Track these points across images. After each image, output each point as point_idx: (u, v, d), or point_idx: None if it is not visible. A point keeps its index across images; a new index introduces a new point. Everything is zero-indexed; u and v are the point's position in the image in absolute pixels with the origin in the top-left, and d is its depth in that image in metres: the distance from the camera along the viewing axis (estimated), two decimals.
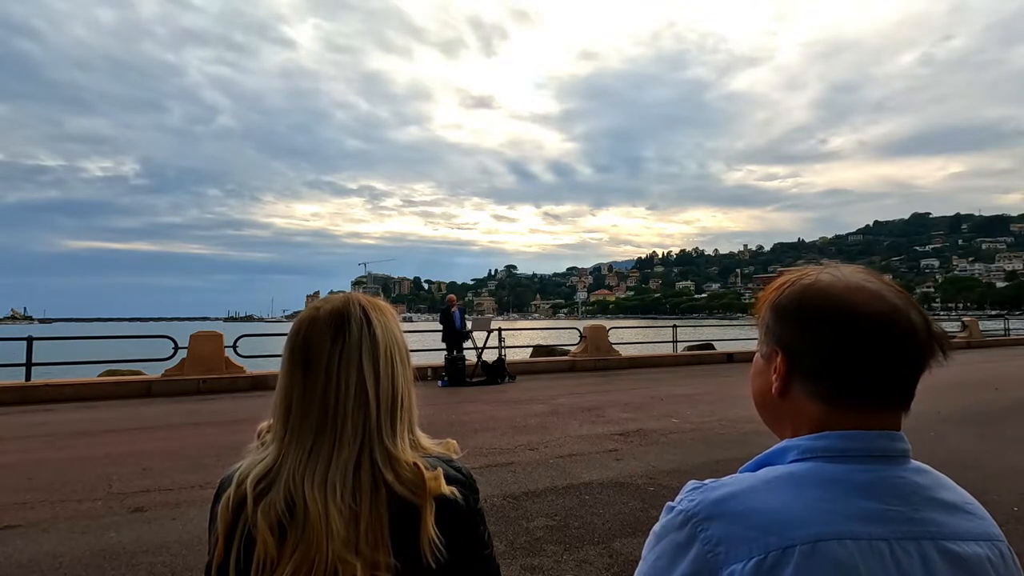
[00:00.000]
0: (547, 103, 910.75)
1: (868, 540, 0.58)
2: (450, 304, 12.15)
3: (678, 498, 0.66)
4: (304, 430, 0.84)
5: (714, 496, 0.63)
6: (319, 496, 0.81)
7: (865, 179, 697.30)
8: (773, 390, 0.70)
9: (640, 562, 0.67)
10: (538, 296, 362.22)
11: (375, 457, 0.84)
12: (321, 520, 0.80)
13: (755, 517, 0.60)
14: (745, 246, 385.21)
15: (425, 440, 0.93)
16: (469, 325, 12.41)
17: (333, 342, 0.86)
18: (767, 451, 0.70)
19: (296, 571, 0.79)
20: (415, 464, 0.86)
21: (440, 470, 0.88)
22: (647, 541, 0.67)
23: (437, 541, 0.83)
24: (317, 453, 0.83)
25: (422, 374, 11.76)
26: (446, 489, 0.86)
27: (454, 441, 0.98)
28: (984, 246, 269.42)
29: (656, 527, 0.66)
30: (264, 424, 0.93)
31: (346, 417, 0.84)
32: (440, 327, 12.11)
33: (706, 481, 0.66)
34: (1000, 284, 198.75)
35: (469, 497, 0.90)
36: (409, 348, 0.96)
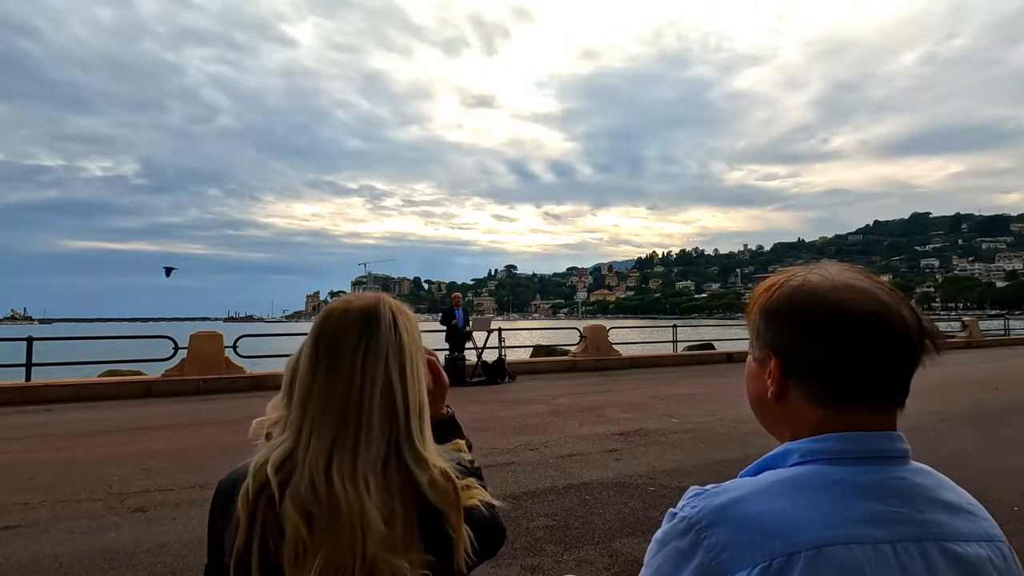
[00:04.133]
0: (548, 102, 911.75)
1: (873, 543, 0.58)
2: (454, 303, 12.18)
3: (680, 504, 0.65)
4: (326, 421, 0.84)
5: (717, 502, 0.62)
6: (351, 490, 0.80)
7: (865, 179, 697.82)
8: (769, 394, 0.70)
9: (643, 568, 0.66)
10: (538, 296, 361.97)
11: (404, 458, 0.84)
12: (356, 515, 0.79)
13: (759, 523, 0.59)
14: (745, 246, 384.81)
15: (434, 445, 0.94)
16: (471, 325, 12.43)
17: (360, 337, 0.87)
18: (768, 454, 0.69)
19: (328, 561, 0.78)
20: (445, 471, 0.86)
21: (472, 479, 0.90)
22: (649, 547, 0.66)
23: (471, 552, 0.84)
24: (342, 446, 0.83)
25: None
26: (476, 500, 0.88)
27: (461, 442, 1.00)
28: (984, 246, 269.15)
29: (658, 533, 0.66)
30: (265, 419, 0.92)
31: (372, 413, 0.84)
32: (442, 326, 12.13)
33: (708, 486, 0.66)
34: (1000, 284, 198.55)
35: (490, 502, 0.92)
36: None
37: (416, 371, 0.89)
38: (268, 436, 0.91)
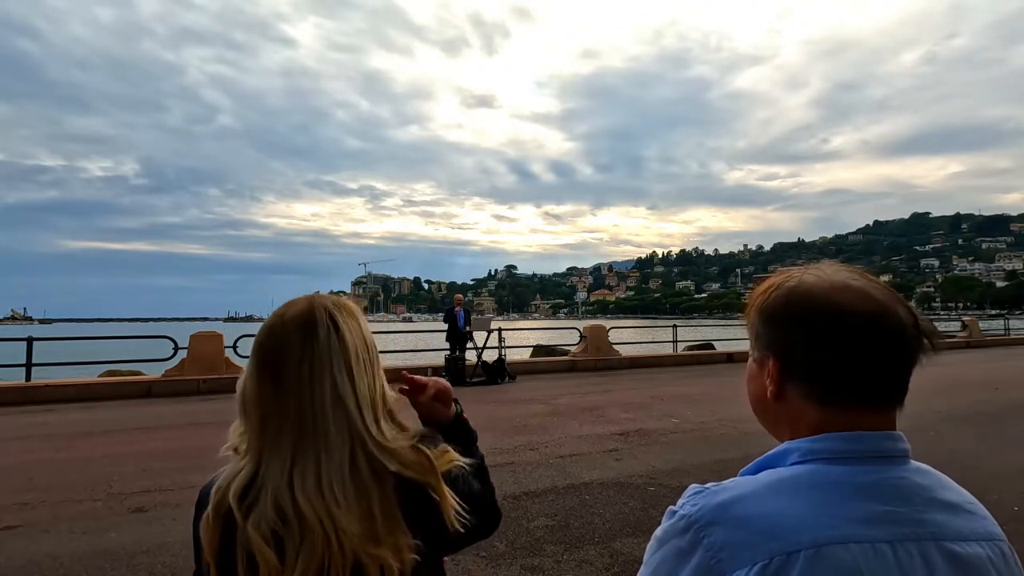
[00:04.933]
0: (548, 102, 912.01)
1: (872, 543, 0.58)
2: (455, 304, 12.20)
3: (680, 502, 0.65)
4: (282, 440, 0.83)
5: (716, 501, 0.62)
6: (317, 503, 0.80)
7: (865, 179, 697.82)
8: (768, 395, 0.70)
9: (642, 566, 0.66)
10: (538, 296, 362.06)
11: (371, 452, 0.85)
12: (323, 523, 0.79)
13: (758, 522, 0.59)
14: (745, 246, 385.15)
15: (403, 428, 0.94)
16: (471, 325, 12.43)
17: (302, 350, 0.85)
18: (768, 453, 0.69)
19: (306, 574, 0.79)
20: (414, 447, 0.87)
21: (447, 446, 0.92)
22: (648, 546, 0.66)
23: (461, 510, 0.86)
24: (302, 462, 0.82)
25: (422, 374, 11.73)
26: (455, 462, 0.90)
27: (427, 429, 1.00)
28: (984, 246, 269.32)
29: (658, 532, 0.66)
30: (236, 432, 0.92)
31: (327, 423, 0.83)
32: (444, 324, 12.16)
33: (707, 485, 0.66)
34: (1000, 284, 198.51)
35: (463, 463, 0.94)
36: (377, 345, 0.96)
37: (364, 366, 0.88)
38: (237, 450, 0.91)
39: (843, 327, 0.63)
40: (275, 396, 0.84)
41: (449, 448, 0.92)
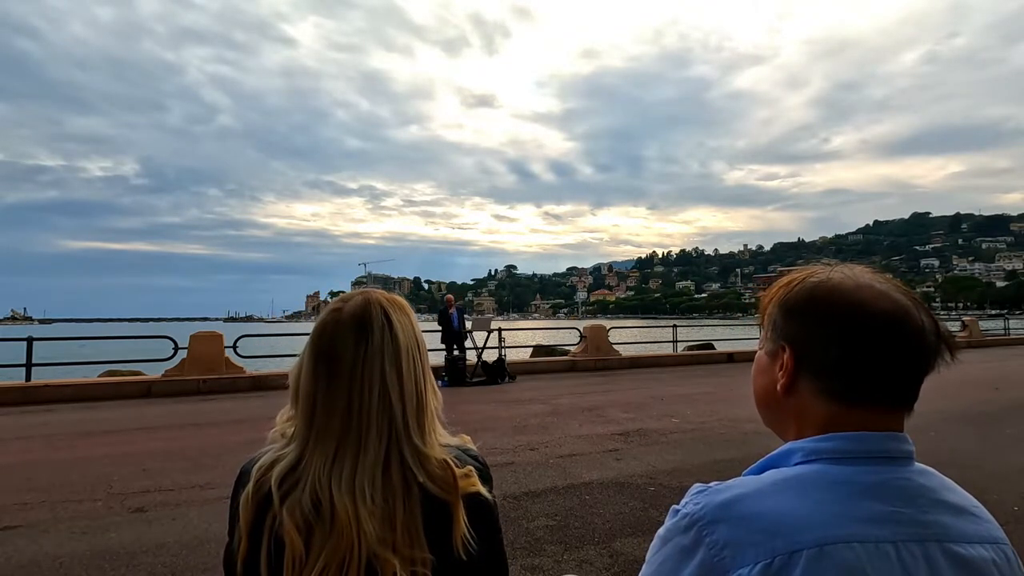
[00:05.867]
0: (548, 102, 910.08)
1: (875, 543, 0.58)
2: (448, 304, 12.15)
3: (683, 501, 0.65)
4: (328, 433, 0.85)
5: (720, 499, 0.62)
6: (347, 498, 0.82)
7: (865, 179, 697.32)
8: (779, 387, 0.70)
9: (644, 565, 0.66)
10: (538, 296, 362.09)
11: (405, 457, 0.86)
12: (351, 521, 0.81)
13: (761, 521, 0.59)
14: (745, 246, 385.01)
15: (444, 435, 0.95)
16: (469, 325, 12.41)
17: (356, 348, 0.87)
18: (771, 453, 0.69)
19: (326, 569, 0.80)
20: (445, 461, 0.87)
21: (471, 468, 0.91)
22: (652, 544, 0.66)
23: (469, 537, 0.85)
24: (343, 456, 0.84)
25: None
26: (477, 487, 0.89)
27: (467, 436, 1.01)
28: (984, 246, 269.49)
29: (661, 530, 0.66)
30: (284, 417, 0.93)
31: (370, 421, 0.85)
32: (439, 327, 12.12)
33: (711, 484, 0.66)
34: (1000, 284, 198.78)
35: (490, 490, 0.94)
36: (426, 343, 0.97)
37: (412, 366, 0.90)
38: (284, 435, 0.92)
39: (866, 326, 0.64)
40: (327, 390, 0.86)
41: (473, 471, 0.91)
